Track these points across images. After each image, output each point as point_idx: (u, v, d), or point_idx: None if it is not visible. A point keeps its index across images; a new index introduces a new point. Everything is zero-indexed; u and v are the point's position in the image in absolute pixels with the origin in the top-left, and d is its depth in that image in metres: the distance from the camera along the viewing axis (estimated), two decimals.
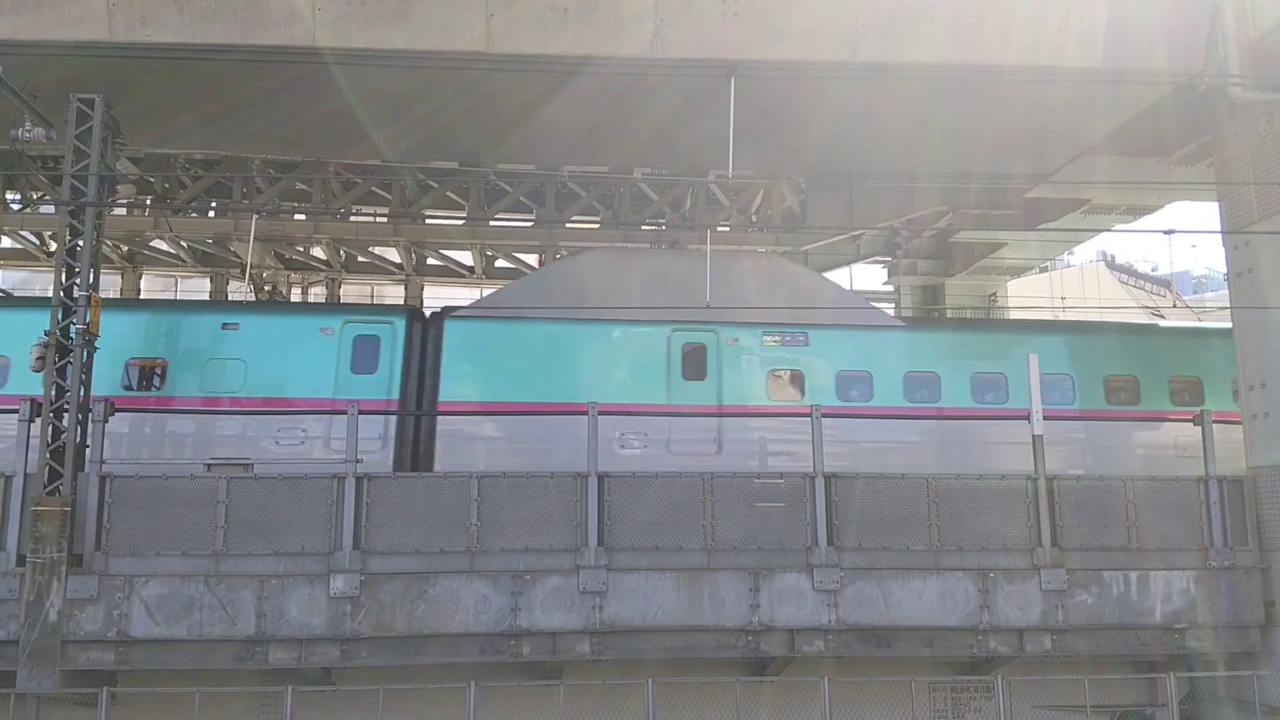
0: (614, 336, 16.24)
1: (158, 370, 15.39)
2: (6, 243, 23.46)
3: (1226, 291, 15.32)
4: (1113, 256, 48.67)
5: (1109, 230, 22.27)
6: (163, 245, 23.57)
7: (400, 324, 15.99)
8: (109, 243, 21.14)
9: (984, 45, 13.53)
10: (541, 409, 15.45)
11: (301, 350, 15.62)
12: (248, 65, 13.37)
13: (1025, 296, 25.91)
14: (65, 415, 12.40)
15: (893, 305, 24.78)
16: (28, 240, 22.76)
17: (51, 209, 20.48)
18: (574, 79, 13.87)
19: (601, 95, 14.74)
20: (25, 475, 12.31)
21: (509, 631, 12.54)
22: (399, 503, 12.75)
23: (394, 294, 26.41)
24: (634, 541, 12.90)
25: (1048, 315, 25.20)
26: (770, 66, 13.52)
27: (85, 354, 12.62)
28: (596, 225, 23.22)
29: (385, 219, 22.62)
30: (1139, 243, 71.69)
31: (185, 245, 23.31)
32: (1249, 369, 14.25)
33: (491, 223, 22.30)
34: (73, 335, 12.51)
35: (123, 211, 21.75)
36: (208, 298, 24.45)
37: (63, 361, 12.45)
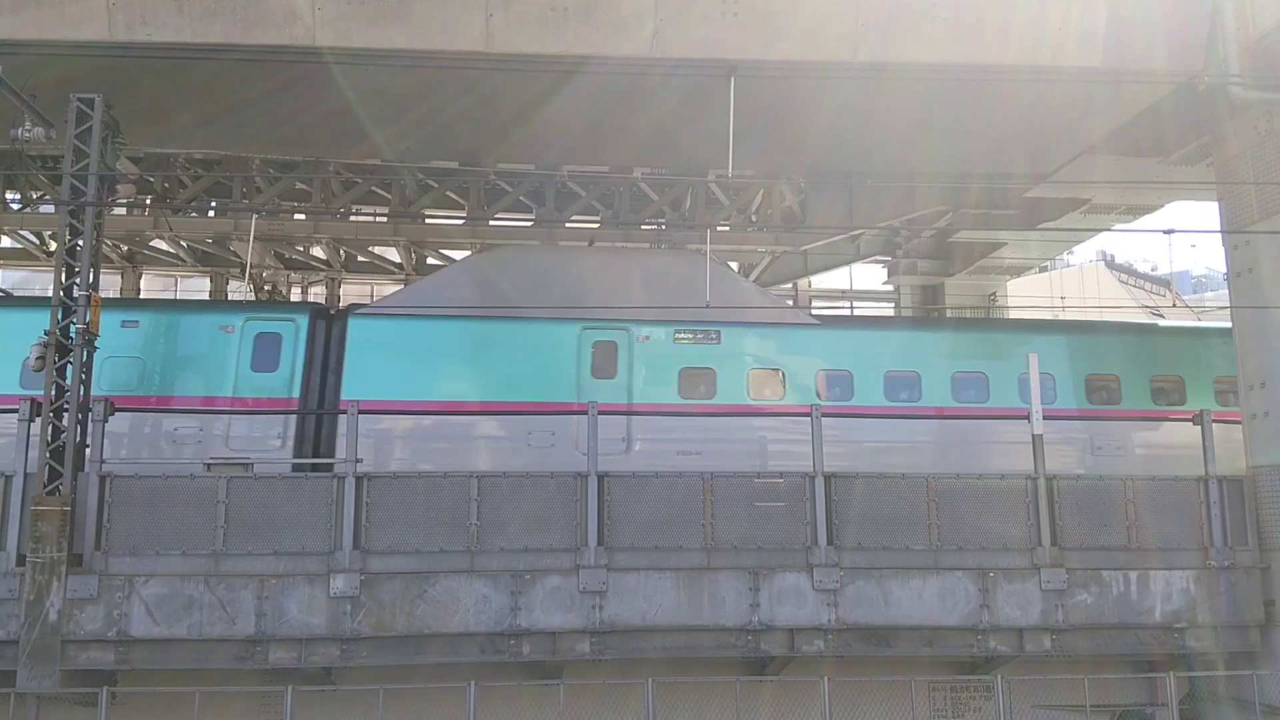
0: (522, 334, 16.07)
1: None
2: (6, 242, 23.46)
3: (1226, 291, 15.32)
4: (1112, 256, 48.67)
5: (1109, 230, 22.29)
6: (163, 245, 23.57)
7: (303, 321, 15.78)
8: (109, 242, 21.14)
9: (984, 45, 13.53)
10: (448, 408, 15.35)
11: (201, 348, 15.42)
12: (248, 65, 13.37)
13: (1025, 296, 25.90)
14: (65, 415, 12.39)
15: (893, 305, 24.87)
16: (28, 240, 22.75)
17: (51, 209, 20.47)
18: (574, 79, 13.87)
19: (601, 95, 14.74)
20: (25, 475, 12.31)
21: (509, 631, 12.54)
22: (399, 502, 12.75)
23: None
24: (634, 541, 12.91)
25: (1047, 315, 25.15)
26: (770, 66, 13.52)
27: (85, 354, 12.61)
28: (596, 225, 23.22)
29: (385, 219, 22.61)
30: (1139, 242, 71.74)
31: (185, 245, 23.31)
32: (1249, 369, 14.26)
33: (491, 222, 22.28)
34: (73, 335, 12.51)
35: (123, 211, 21.73)
36: (207, 297, 24.47)
37: (63, 361, 12.45)
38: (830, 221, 21.06)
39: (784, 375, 16.43)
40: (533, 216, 23.10)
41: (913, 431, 16.08)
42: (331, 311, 16.72)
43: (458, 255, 24.67)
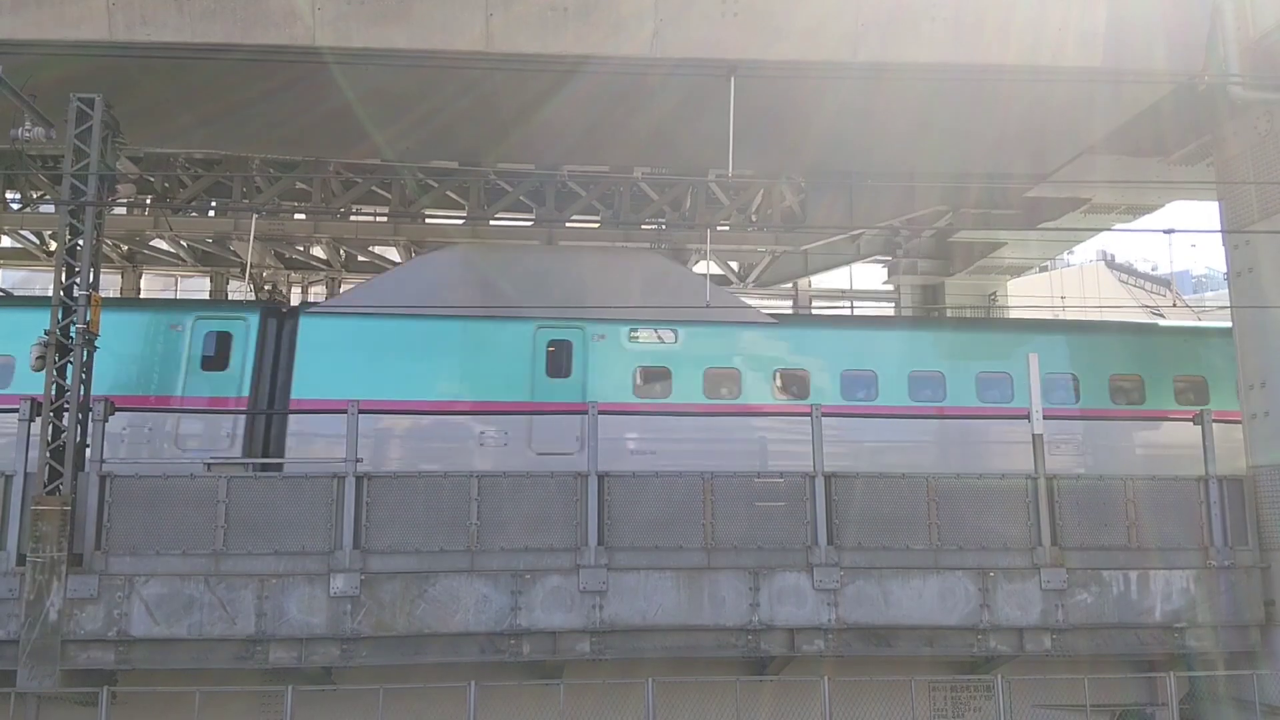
0: (475, 332, 15.98)
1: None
2: (6, 242, 23.46)
3: (1226, 291, 15.32)
4: (1112, 256, 48.68)
5: (1109, 230, 22.29)
6: (163, 245, 23.57)
7: (253, 320, 15.65)
8: (109, 242, 21.14)
9: (984, 45, 13.53)
10: (399, 407, 15.26)
11: (150, 347, 15.29)
12: (248, 65, 13.37)
13: (1025, 296, 25.90)
14: (65, 415, 12.39)
15: (893, 305, 24.87)
16: (28, 240, 22.75)
17: (51, 208, 20.48)
18: (574, 78, 13.87)
19: (601, 95, 14.74)
20: (25, 474, 12.31)
21: (509, 631, 12.55)
22: (399, 502, 12.75)
23: None
24: (634, 541, 12.91)
25: (1047, 315, 25.14)
26: (770, 66, 13.52)
27: (85, 353, 12.62)
28: (597, 225, 23.22)
29: (385, 219, 22.60)
30: (1139, 242, 71.74)
31: (185, 245, 23.31)
32: (1249, 368, 14.26)
33: (491, 222, 22.28)
34: (73, 335, 12.51)
35: (123, 211, 21.73)
36: (207, 297, 24.47)
37: (63, 361, 12.45)
38: (830, 221, 21.06)
39: (741, 374, 16.33)
40: (533, 216, 23.10)
41: (869, 430, 15.95)
42: (284, 310, 16.56)
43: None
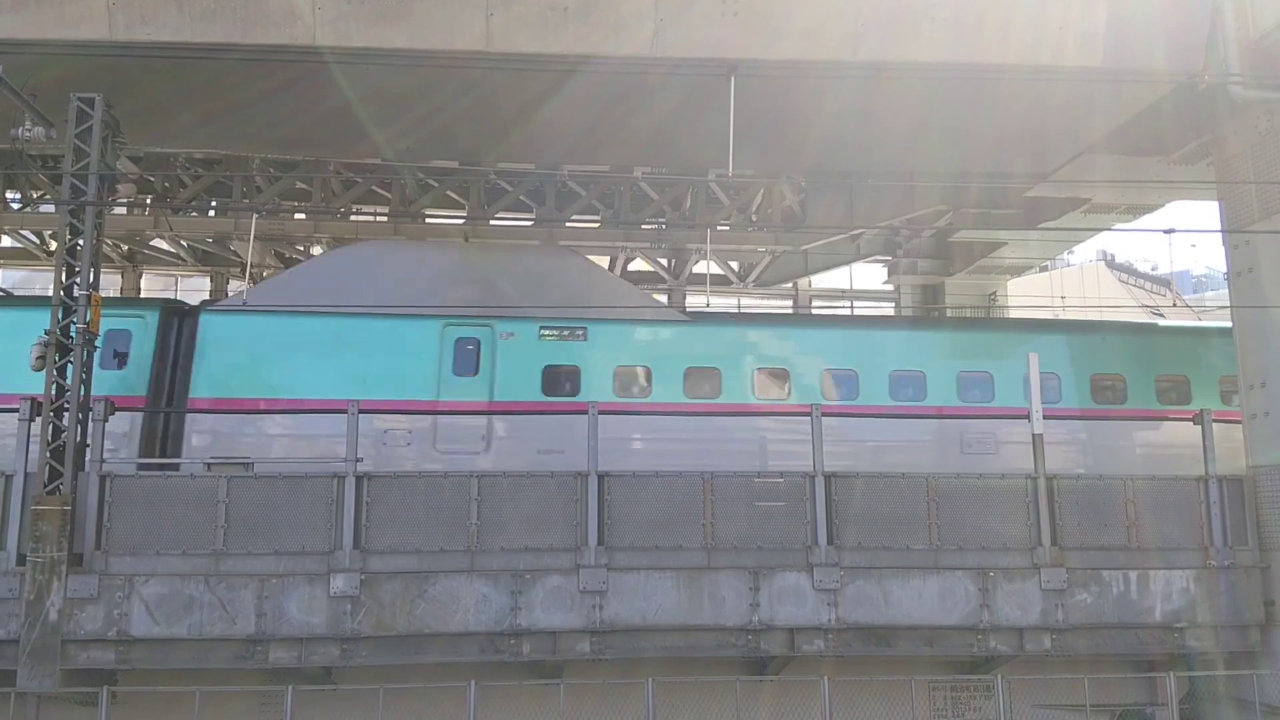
0: (380, 330, 15.73)
1: None
2: (6, 242, 23.47)
3: (1226, 291, 15.32)
4: (1113, 256, 48.67)
5: (1109, 229, 22.28)
6: (163, 244, 23.59)
7: (152, 318, 15.43)
8: (109, 242, 21.14)
9: (984, 45, 13.53)
10: (299, 406, 15.08)
11: None
12: (248, 64, 13.37)
13: (1025, 296, 25.90)
14: (65, 414, 12.39)
15: (893, 305, 24.87)
16: (28, 239, 22.77)
17: (51, 208, 20.48)
18: (574, 78, 13.87)
19: (601, 94, 14.74)
20: (25, 474, 12.31)
21: (509, 631, 12.55)
22: (399, 502, 12.75)
23: None
24: (634, 541, 12.91)
25: (1048, 315, 25.13)
26: (770, 66, 13.52)
27: (85, 353, 12.62)
28: (597, 224, 23.23)
29: (385, 218, 22.61)
30: (1139, 242, 71.72)
31: (185, 244, 23.33)
32: (1249, 368, 14.26)
33: (491, 222, 22.29)
34: (73, 334, 12.52)
35: (123, 211, 21.75)
36: (208, 296, 24.47)
37: (63, 361, 12.46)
38: (830, 221, 21.06)
39: (651, 372, 16.18)
40: (533, 216, 23.10)
41: (784, 429, 15.81)
42: (185, 308, 16.30)
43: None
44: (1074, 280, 38.52)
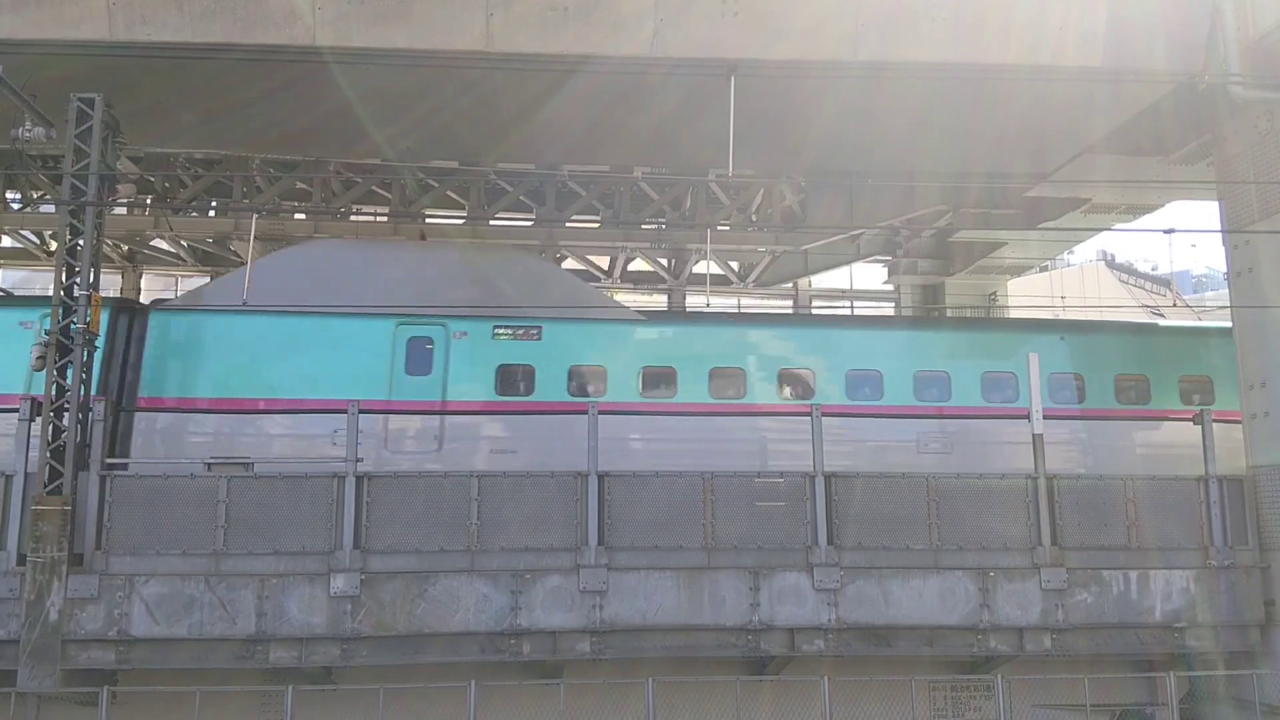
0: (332, 329, 15.51)
1: None
2: (7, 242, 23.46)
3: (1226, 291, 15.32)
4: (1113, 256, 48.68)
5: (1109, 229, 22.27)
6: (163, 244, 23.57)
7: (101, 316, 15.02)
8: (109, 242, 21.13)
9: (984, 45, 13.54)
10: (247, 406, 14.99)
11: (1, 344, 14.78)
12: (248, 64, 13.38)
13: (1025, 296, 25.90)
14: (66, 414, 12.40)
15: (893, 305, 24.87)
16: (28, 240, 22.76)
17: (51, 208, 20.47)
18: (574, 78, 13.88)
19: (601, 94, 14.74)
20: (26, 474, 12.31)
21: (509, 631, 12.55)
22: (399, 502, 12.76)
23: None
24: (634, 540, 12.91)
25: (1048, 315, 25.12)
26: (770, 66, 13.52)
27: (85, 353, 12.63)
28: (597, 224, 23.23)
29: (385, 218, 22.61)
30: (1139, 242, 71.71)
31: (185, 244, 23.30)
32: (1249, 368, 14.26)
33: (492, 222, 22.28)
34: (73, 334, 12.52)
35: (123, 211, 21.74)
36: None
37: (63, 361, 12.46)
38: (830, 221, 21.07)
39: (607, 371, 16.07)
40: (533, 216, 23.11)
41: (741, 429, 15.77)
42: (136, 307, 16.09)
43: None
44: (1074, 280, 38.52)
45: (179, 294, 26.80)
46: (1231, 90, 13.80)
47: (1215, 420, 14.47)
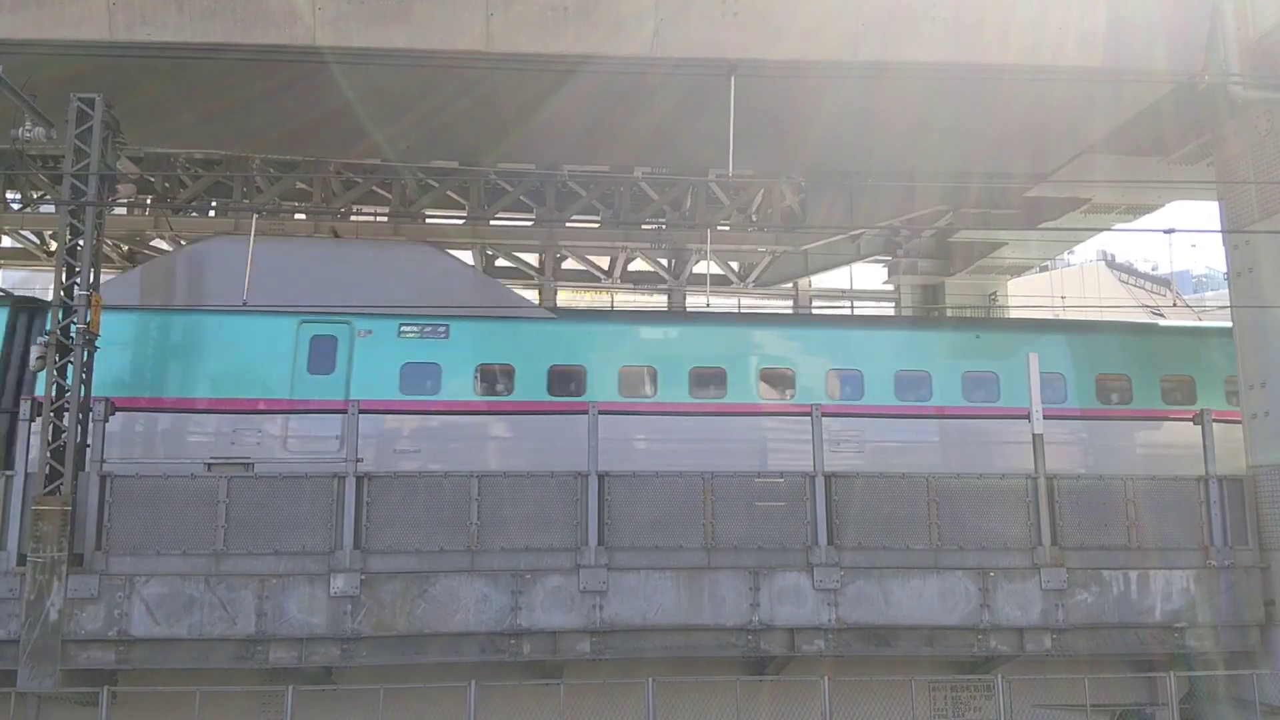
0: (233, 328, 15.29)
1: None
2: (7, 242, 23.47)
3: (1226, 291, 15.32)
4: (1113, 256, 48.72)
5: (1109, 229, 22.30)
6: (163, 245, 23.53)
7: (0, 314, 15.01)
8: (109, 242, 21.13)
9: (984, 45, 13.54)
10: (152, 404, 14.75)
11: None
12: (248, 64, 13.38)
13: (1025, 296, 25.91)
14: (65, 414, 12.40)
15: (893, 305, 24.88)
16: (28, 240, 22.77)
17: (51, 208, 20.47)
18: (574, 78, 13.88)
19: (601, 94, 14.75)
20: (26, 474, 12.31)
21: (509, 631, 12.55)
22: (399, 502, 12.75)
23: None
24: (634, 541, 12.91)
25: (1048, 315, 25.13)
26: (770, 66, 13.52)
27: (86, 353, 12.63)
28: (597, 224, 23.24)
29: (385, 219, 22.63)
30: (1139, 242, 71.72)
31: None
32: (1249, 368, 14.26)
33: (492, 222, 22.30)
34: (73, 335, 12.53)
35: (123, 211, 21.76)
36: None
37: (63, 361, 12.47)
38: (830, 221, 21.08)
39: (515, 370, 15.80)
40: (533, 216, 23.12)
41: (651, 428, 15.65)
42: (36, 304, 15.77)
43: (459, 255, 24.68)
44: (1074, 280, 38.54)
45: None
46: (1231, 90, 13.80)
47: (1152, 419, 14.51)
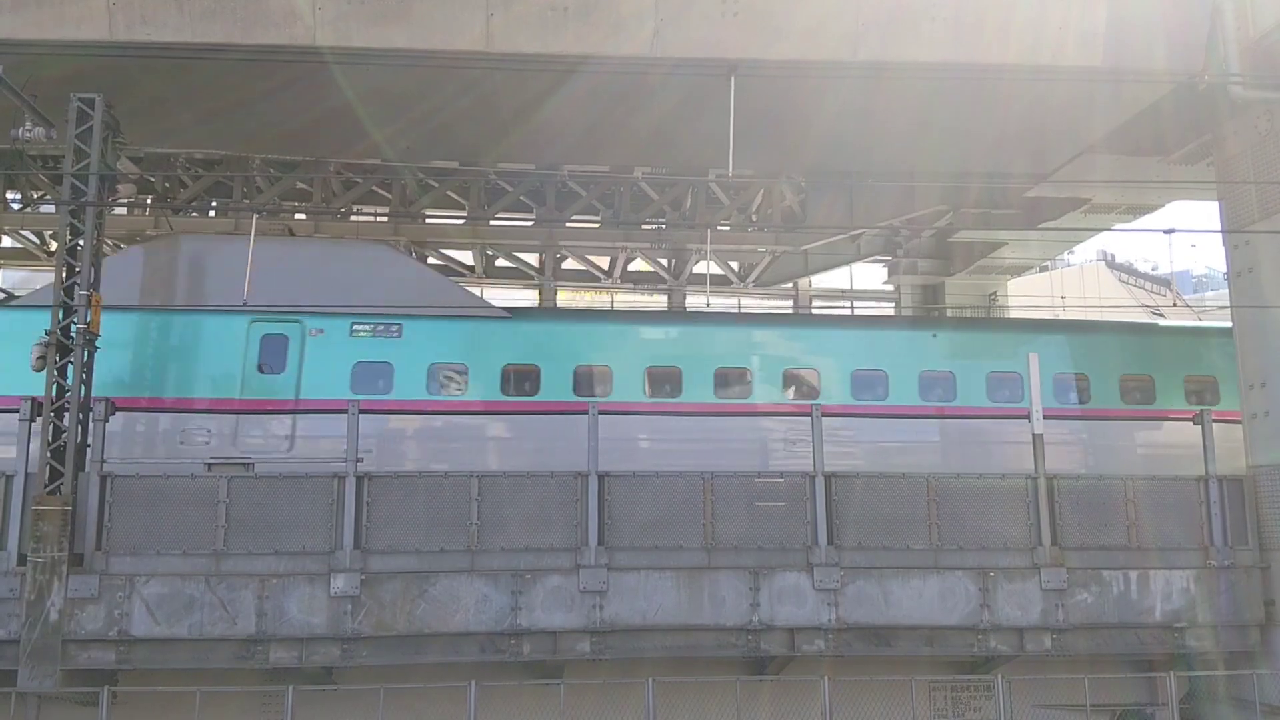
0: (182, 326, 15.14)
1: None
2: (7, 242, 23.48)
3: (1226, 291, 15.33)
4: (1113, 256, 48.74)
5: (1109, 229, 22.30)
6: None
7: None
8: (109, 242, 21.07)
9: (984, 45, 13.54)
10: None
11: None
12: (248, 64, 13.38)
13: (1025, 296, 25.92)
14: (66, 414, 12.40)
15: (893, 305, 24.88)
16: (28, 240, 22.78)
17: (52, 208, 20.48)
18: (574, 78, 13.89)
19: (601, 94, 14.76)
20: (26, 474, 12.31)
21: (509, 631, 12.55)
22: (399, 502, 12.75)
23: None
24: (634, 540, 12.91)
25: (1048, 315, 25.14)
26: (770, 66, 13.53)
27: (86, 353, 12.63)
28: (597, 225, 23.25)
29: (385, 218, 22.63)
30: (1139, 242, 71.75)
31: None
32: (1249, 368, 14.26)
33: (492, 222, 22.31)
34: (73, 335, 12.53)
35: (123, 211, 21.77)
36: None
37: (64, 361, 12.47)
38: (830, 221, 21.10)
39: (469, 369, 15.72)
40: (533, 216, 23.12)
41: (613, 428, 15.18)
42: None
43: (459, 255, 24.73)
44: (1074, 280, 38.55)
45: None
46: (1231, 90, 13.80)
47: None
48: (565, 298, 25.99)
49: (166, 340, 15.17)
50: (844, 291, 27.61)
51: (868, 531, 13.24)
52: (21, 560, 12.03)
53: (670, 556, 12.91)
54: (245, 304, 14.62)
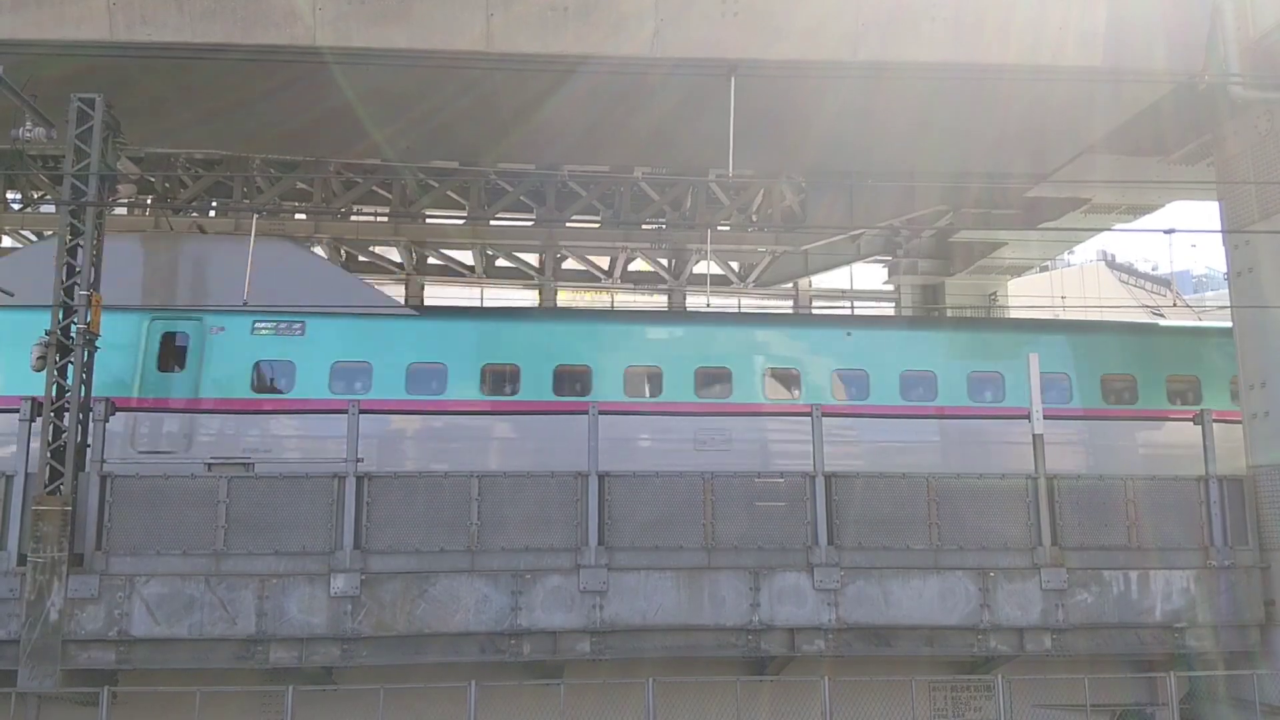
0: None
1: None
2: (7, 242, 23.46)
3: (1226, 291, 15.33)
4: (1113, 256, 48.73)
5: (1109, 229, 22.30)
6: None
7: None
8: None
9: (984, 45, 13.54)
10: None
11: None
12: (248, 64, 13.39)
13: (1025, 296, 25.91)
14: (66, 415, 12.40)
15: (893, 305, 24.88)
16: (28, 240, 22.75)
17: (52, 208, 20.48)
18: (574, 78, 13.88)
19: (601, 94, 14.75)
20: (26, 475, 12.31)
21: (509, 631, 12.55)
22: (399, 502, 12.75)
23: (394, 293, 26.32)
24: (634, 541, 12.91)
25: (1048, 315, 25.13)
26: (770, 66, 13.53)
27: (86, 353, 12.63)
28: (597, 225, 23.25)
29: (386, 218, 22.64)
30: (1139, 242, 71.70)
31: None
32: (1249, 368, 14.26)
33: (492, 222, 22.31)
34: (73, 335, 12.53)
35: (123, 211, 21.77)
36: None
37: (64, 361, 12.47)
38: (830, 221, 21.09)
39: (372, 368, 15.51)
40: (533, 216, 23.12)
41: (519, 429, 15.55)
42: None
43: (459, 255, 24.73)
44: (1074, 280, 38.54)
45: None
46: (1231, 90, 13.81)
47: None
48: (565, 298, 26.01)
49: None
50: (844, 292, 27.61)
51: (868, 531, 13.24)
52: (21, 560, 12.04)
53: (670, 556, 12.91)
54: (245, 304, 14.57)
